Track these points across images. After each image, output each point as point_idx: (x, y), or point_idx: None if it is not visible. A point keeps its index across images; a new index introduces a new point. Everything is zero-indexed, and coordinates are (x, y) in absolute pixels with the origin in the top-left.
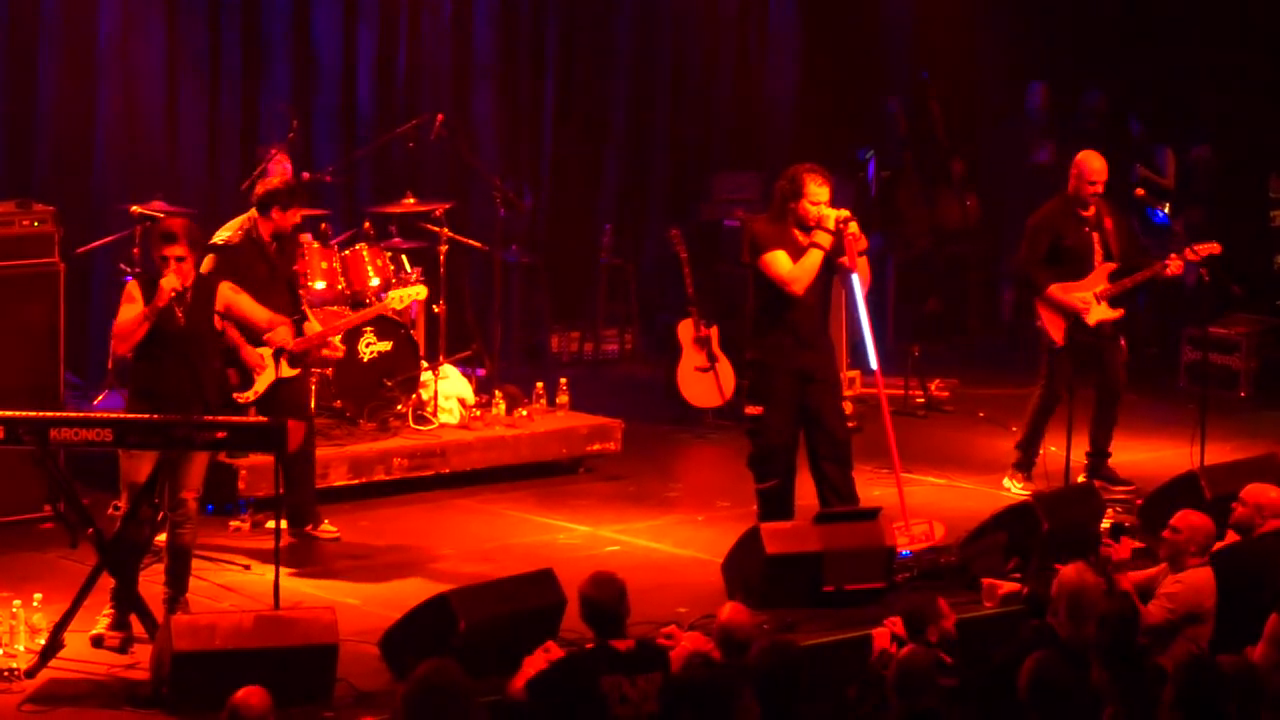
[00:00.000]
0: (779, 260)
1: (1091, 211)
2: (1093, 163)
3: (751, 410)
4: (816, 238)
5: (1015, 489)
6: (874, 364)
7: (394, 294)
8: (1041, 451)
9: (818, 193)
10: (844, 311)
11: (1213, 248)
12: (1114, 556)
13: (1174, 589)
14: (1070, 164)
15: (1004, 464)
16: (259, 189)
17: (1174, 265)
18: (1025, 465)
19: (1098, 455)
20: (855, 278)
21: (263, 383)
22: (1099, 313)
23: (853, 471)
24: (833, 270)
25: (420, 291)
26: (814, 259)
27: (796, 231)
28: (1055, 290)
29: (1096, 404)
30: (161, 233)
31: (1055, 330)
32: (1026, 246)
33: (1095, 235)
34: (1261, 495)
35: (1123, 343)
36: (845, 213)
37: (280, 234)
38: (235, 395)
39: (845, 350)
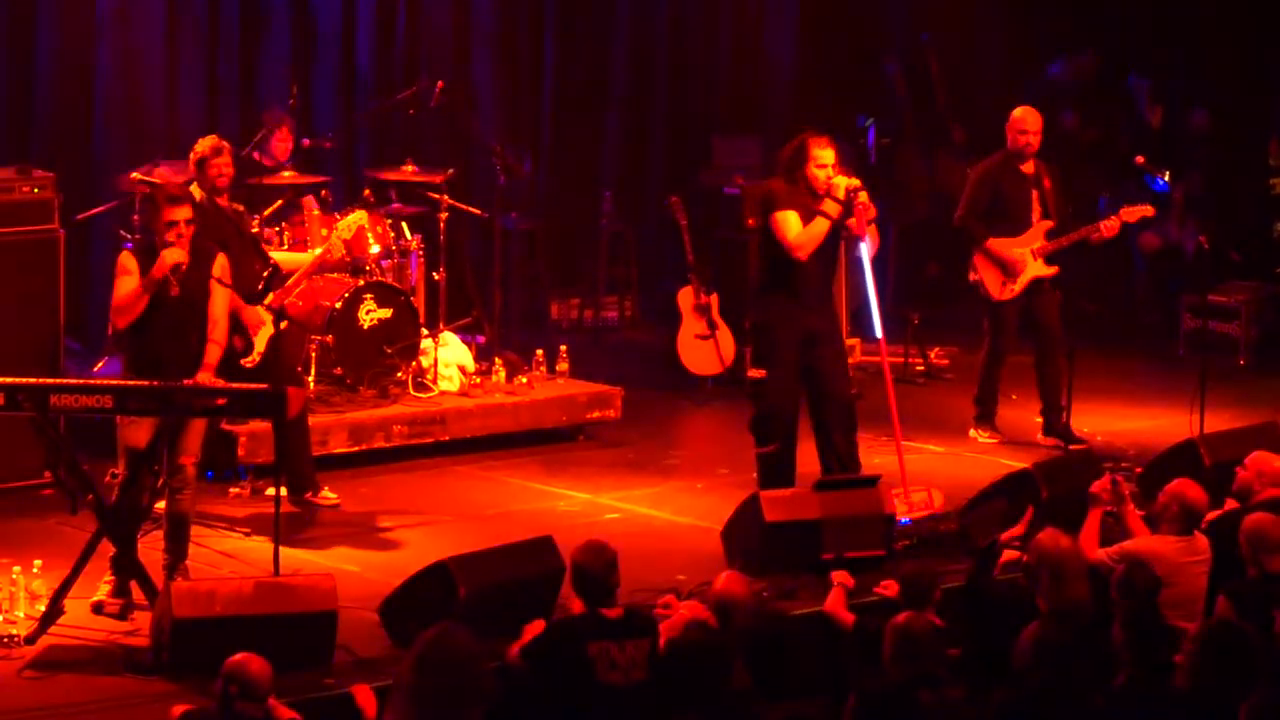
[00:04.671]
0: (789, 221)
1: (1031, 169)
2: (1027, 115)
3: (754, 374)
4: (825, 206)
5: (982, 439)
6: (878, 331)
7: (341, 224)
8: (1001, 401)
9: (822, 155)
10: (843, 277)
11: (1145, 210)
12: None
13: (1126, 544)
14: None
15: (1005, 433)
16: (191, 154)
17: (1107, 226)
18: (986, 417)
19: (1050, 411)
20: (864, 246)
21: (261, 341)
22: (1034, 269)
23: (856, 437)
24: (840, 237)
25: (361, 217)
26: (820, 227)
27: (809, 196)
28: (994, 244)
29: (1037, 360)
30: (169, 196)
31: (992, 284)
32: (967, 199)
33: (1035, 193)
34: (1264, 462)
35: (1058, 294)
36: (856, 181)
37: (214, 190)
38: (242, 361)
39: (845, 317)
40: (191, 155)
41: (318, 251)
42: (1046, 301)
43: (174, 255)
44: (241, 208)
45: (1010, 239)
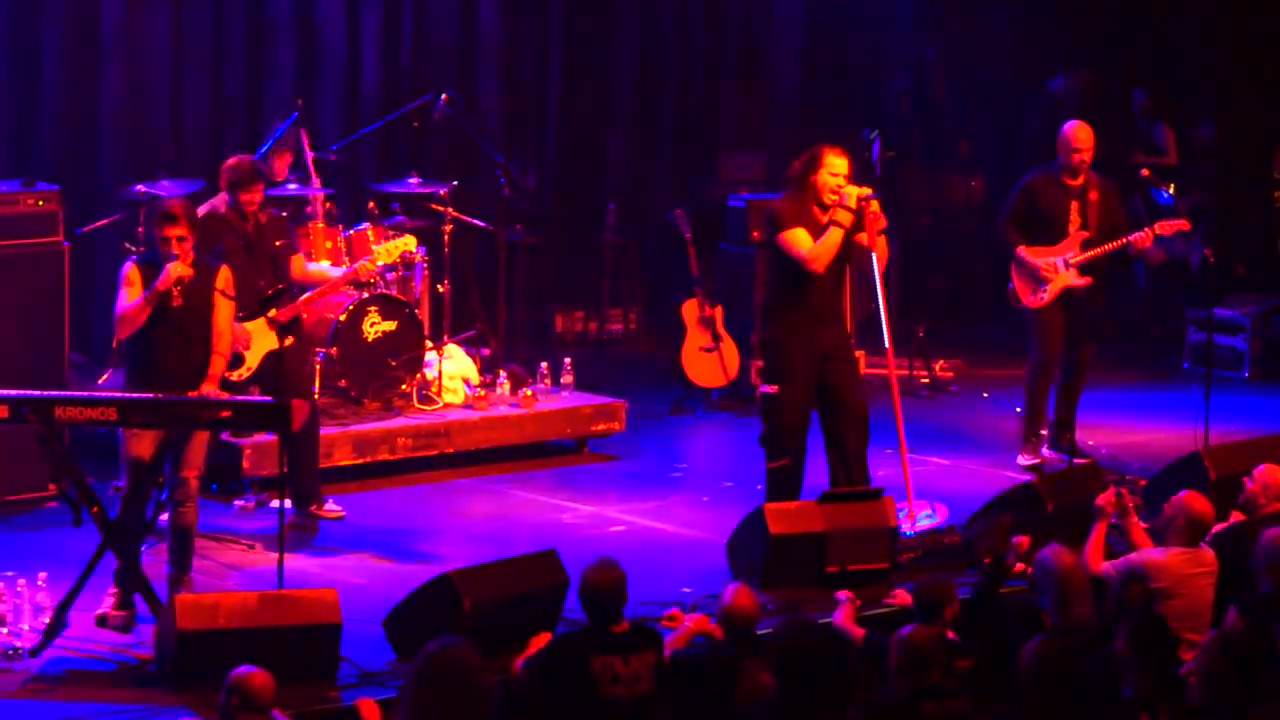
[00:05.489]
0: (799, 238)
1: (1079, 181)
2: (1079, 132)
3: (767, 389)
4: (837, 216)
5: (1023, 462)
6: (886, 343)
7: (380, 248)
8: (1043, 421)
9: (835, 163)
10: (849, 289)
11: (1181, 224)
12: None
13: (1131, 556)
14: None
15: (1008, 444)
16: (222, 171)
17: (1140, 239)
18: (1032, 438)
19: (1061, 427)
20: (874, 256)
21: (254, 357)
22: (1066, 279)
23: (867, 451)
24: (851, 248)
25: (409, 242)
26: (835, 237)
27: (816, 209)
28: (1024, 251)
29: (1061, 375)
30: (163, 213)
31: (1023, 291)
32: (1007, 207)
33: (1075, 204)
34: (1271, 476)
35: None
36: (867, 190)
37: (242, 214)
38: (228, 374)
39: (852, 329)
40: (223, 169)
41: (328, 268)
42: (1081, 317)
43: (178, 269)
44: (265, 218)
45: (1046, 247)
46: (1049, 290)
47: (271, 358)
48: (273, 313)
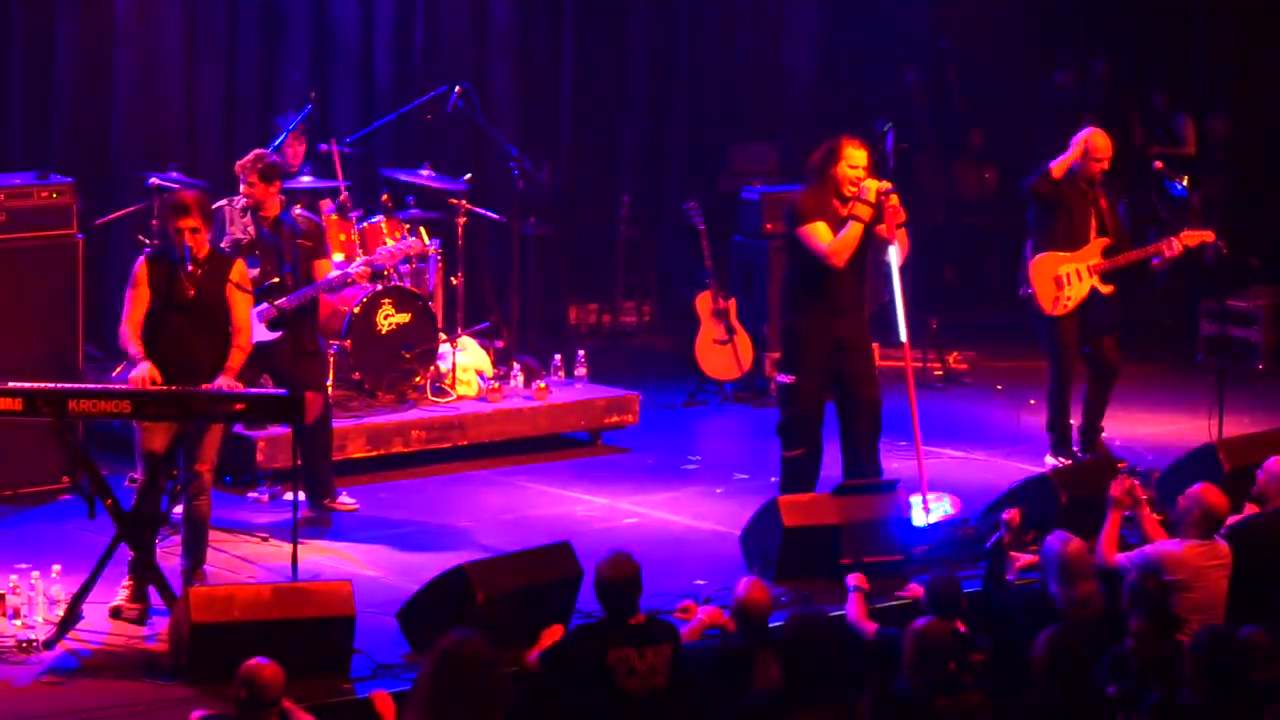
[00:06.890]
0: (819, 231)
1: (1094, 188)
2: (1098, 140)
3: (783, 378)
4: (856, 210)
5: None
6: (903, 336)
7: (384, 249)
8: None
9: (855, 155)
10: (864, 281)
11: (1205, 235)
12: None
13: (1146, 548)
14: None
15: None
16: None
17: (1168, 251)
18: (1061, 444)
19: (1088, 430)
20: (893, 249)
21: None
22: (1090, 284)
23: (879, 442)
24: (870, 240)
25: (421, 248)
26: (854, 231)
27: (836, 202)
28: (1047, 257)
29: (1088, 378)
30: (174, 205)
31: (1046, 297)
32: (1031, 178)
33: (1092, 209)
34: None
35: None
36: (887, 184)
37: (250, 204)
38: None
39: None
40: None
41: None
42: (1093, 316)
43: (145, 373)
44: (301, 220)
45: (1068, 253)
46: (1074, 297)
47: (258, 350)
48: (268, 303)
